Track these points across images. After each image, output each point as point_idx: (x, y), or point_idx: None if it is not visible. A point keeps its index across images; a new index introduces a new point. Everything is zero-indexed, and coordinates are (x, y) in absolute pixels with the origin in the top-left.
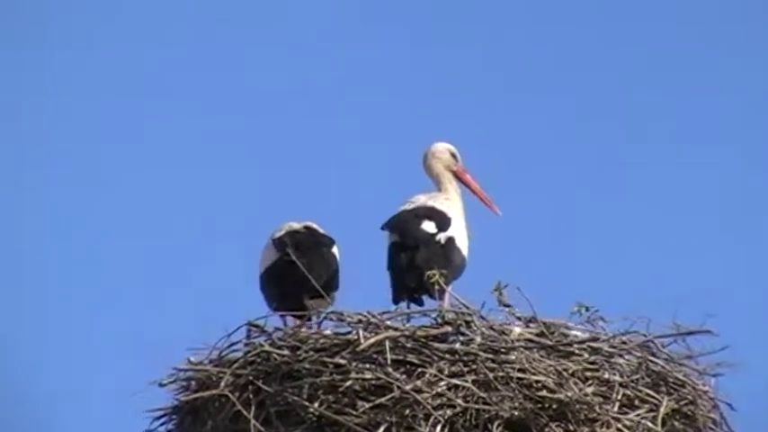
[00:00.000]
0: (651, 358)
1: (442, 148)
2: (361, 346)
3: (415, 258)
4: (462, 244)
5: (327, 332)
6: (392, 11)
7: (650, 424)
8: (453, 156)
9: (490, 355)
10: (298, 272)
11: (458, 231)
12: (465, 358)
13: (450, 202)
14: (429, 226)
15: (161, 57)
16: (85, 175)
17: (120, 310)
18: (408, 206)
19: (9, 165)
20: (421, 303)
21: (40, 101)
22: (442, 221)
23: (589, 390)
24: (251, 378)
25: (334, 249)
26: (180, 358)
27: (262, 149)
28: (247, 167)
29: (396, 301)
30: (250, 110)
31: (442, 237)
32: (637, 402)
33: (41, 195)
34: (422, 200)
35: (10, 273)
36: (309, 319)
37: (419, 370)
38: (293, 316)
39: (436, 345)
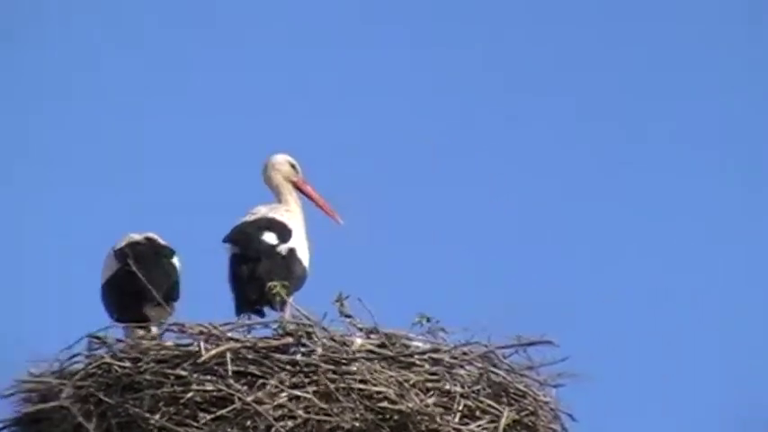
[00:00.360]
0: (492, 369)
1: (282, 160)
2: (203, 358)
3: (257, 270)
4: (303, 255)
5: (168, 344)
6: (392, 11)
7: None
8: (293, 167)
9: (331, 367)
10: (138, 282)
11: (299, 242)
12: (306, 369)
13: (290, 213)
14: (270, 237)
15: (161, 57)
16: (85, 175)
17: None
18: (249, 217)
19: (9, 165)
20: (263, 315)
21: (40, 101)
22: (283, 232)
23: (430, 401)
24: (92, 390)
25: (175, 260)
26: (20, 370)
27: (262, 149)
28: (247, 167)
29: (238, 312)
30: (250, 110)
31: (283, 248)
32: (478, 413)
33: (41, 195)
34: (263, 211)
35: (10, 273)
36: (149, 330)
37: (260, 381)
38: (135, 327)
39: (277, 356)
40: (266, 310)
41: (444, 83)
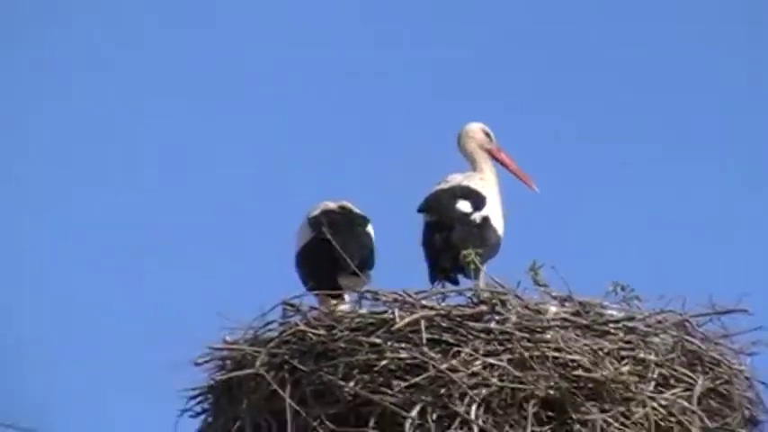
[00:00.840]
0: (687, 337)
1: (476, 128)
2: (397, 326)
3: (451, 238)
4: (498, 223)
5: (363, 311)
6: (392, 11)
7: (686, 403)
8: (487, 135)
9: (525, 335)
10: (332, 251)
11: (493, 210)
12: (500, 337)
13: (484, 181)
14: (464, 205)
15: (161, 56)
16: (85, 175)
17: (155, 289)
18: (443, 185)
19: (9, 164)
20: (456, 282)
21: (40, 101)
22: (478, 200)
23: (624, 369)
24: (286, 357)
25: (369, 228)
26: (215, 338)
27: (262, 149)
28: (248, 167)
29: (432, 280)
30: (250, 110)
31: (477, 216)
32: (672, 381)
33: (41, 195)
34: (457, 179)
35: (9, 273)
36: (343, 298)
37: (454, 349)
38: (328, 295)
39: (471, 324)
40: (460, 277)
41: (444, 83)
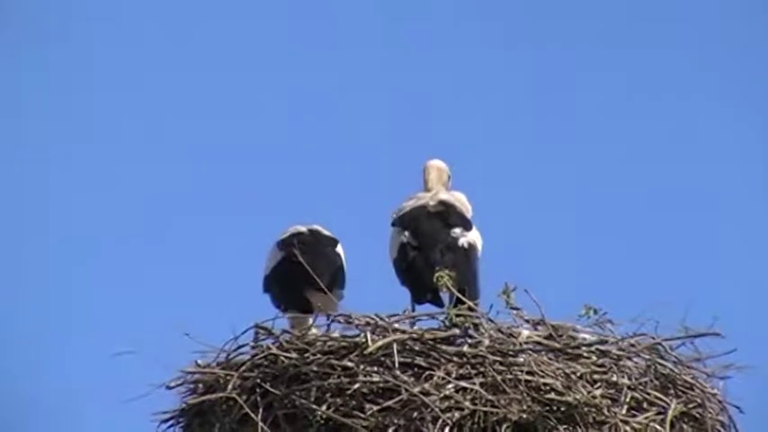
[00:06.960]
0: (659, 361)
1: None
2: (369, 349)
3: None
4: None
5: (335, 335)
6: (394, 11)
7: (658, 427)
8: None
9: (498, 358)
10: (301, 269)
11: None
12: (473, 361)
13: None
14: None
15: (161, 57)
16: (85, 175)
17: (126, 311)
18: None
19: (9, 164)
20: (441, 304)
21: (40, 101)
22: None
23: (597, 392)
24: (258, 381)
25: (339, 248)
26: (187, 361)
27: (262, 149)
28: (248, 167)
29: (417, 301)
30: (250, 110)
31: (463, 241)
32: (645, 405)
33: (42, 195)
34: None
35: (9, 273)
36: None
37: (427, 372)
38: (301, 317)
39: (444, 347)
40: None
41: (447, 83)
